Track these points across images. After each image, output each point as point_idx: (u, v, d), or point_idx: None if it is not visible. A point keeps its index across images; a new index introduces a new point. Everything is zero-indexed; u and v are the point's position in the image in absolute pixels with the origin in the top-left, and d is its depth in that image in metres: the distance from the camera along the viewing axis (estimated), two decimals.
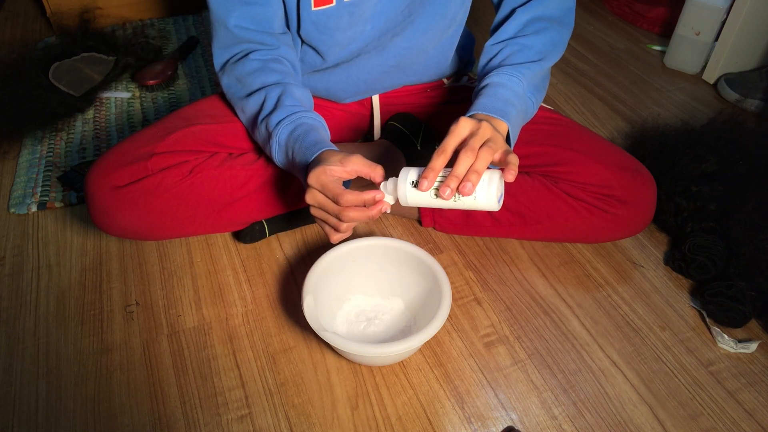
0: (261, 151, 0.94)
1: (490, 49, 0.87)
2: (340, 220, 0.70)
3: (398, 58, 0.94)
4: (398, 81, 1.00)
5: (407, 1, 0.86)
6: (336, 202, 0.68)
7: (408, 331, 0.85)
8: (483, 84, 0.83)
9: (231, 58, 0.86)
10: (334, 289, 0.85)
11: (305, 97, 0.85)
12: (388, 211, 0.71)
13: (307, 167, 0.74)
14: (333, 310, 0.86)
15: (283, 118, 0.80)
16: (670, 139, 1.10)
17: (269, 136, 0.81)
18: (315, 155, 0.74)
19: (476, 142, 0.67)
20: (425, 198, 0.69)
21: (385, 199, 0.70)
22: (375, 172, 0.70)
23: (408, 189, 0.69)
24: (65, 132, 1.27)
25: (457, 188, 0.66)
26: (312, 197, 0.71)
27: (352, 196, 0.68)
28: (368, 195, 0.69)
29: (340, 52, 0.90)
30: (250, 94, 0.85)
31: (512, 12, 0.87)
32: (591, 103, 1.40)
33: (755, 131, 1.12)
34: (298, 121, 0.80)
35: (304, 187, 0.75)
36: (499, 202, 0.69)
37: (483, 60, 0.88)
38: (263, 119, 0.82)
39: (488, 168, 0.68)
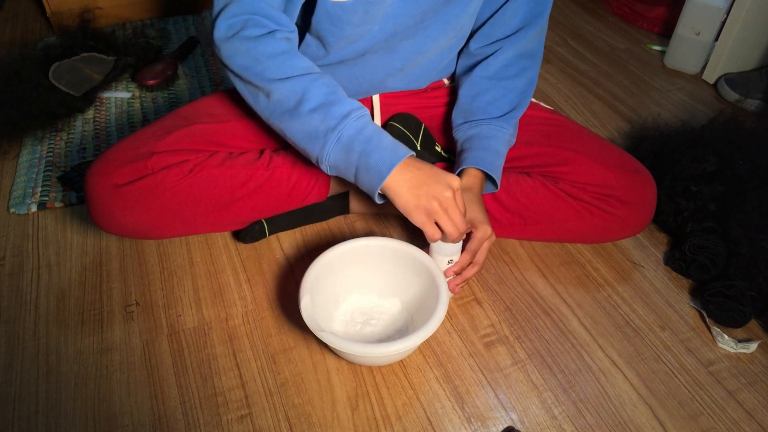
0: (261, 150, 0.94)
1: (479, 81, 0.94)
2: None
3: (404, 61, 0.94)
4: (400, 84, 1.00)
5: (421, 9, 0.86)
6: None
7: (405, 331, 0.85)
8: (474, 132, 0.92)
9: (238, 28, 0.78)
10: (332, 289, 0.85)
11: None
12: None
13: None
14: (330, 310, 0.86)
15: (350, 112, 0.76)
16: (670, 139, 1.10)
17: (327, 129, 0.76)
18: (401, 162, 0.75)
19: (482, 257, 0.84)
20: (440, 263, 0.84)
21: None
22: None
23: (442, 261, 0.83)
24: (65, 132, 1.27)
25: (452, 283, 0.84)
26: (423, 222, 0.77)
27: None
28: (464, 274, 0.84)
29: (345, 47, 0.90)
30: (284, 80, 0.77)
31: (498, 43, 0.93)
32: (591, 103, 1.40)
33: (755, 131, 1.12)
34: (365, 119, 0.77)
35: (374, 197, 0.78)
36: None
37: (469, 89, 0.95)
38: (315, 110, 0.76)
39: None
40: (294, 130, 0.79)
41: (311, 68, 0.80)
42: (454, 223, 0.76)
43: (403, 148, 0.77)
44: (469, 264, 0.84)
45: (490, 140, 0.90)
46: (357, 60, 0.93)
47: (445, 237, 0.78)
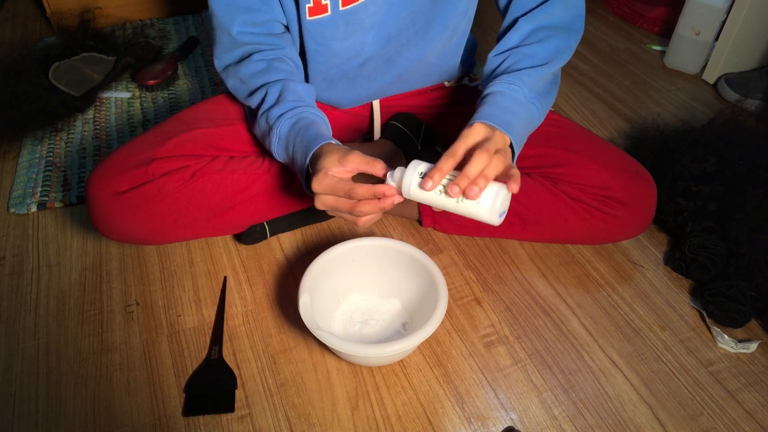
0: (263, 152, 0.94)
1: (493, 60, 0.85)
2: (354, 215, 0.70)
3: (402, 69, 0.94)
4: (400, 90, 1.01)
5: (408, 11, 0.86)
6: (349, 197, 0.68)
7: (405, 332, 0.85)
8: (483, 94, 0.81)
9: (234, 60, 0.87)
10: (331, 288, 0.85)
11: (306, 92, 0.85)
12: (401, 200, 0.70)
13: (308, 169, 0.75)
14: (330, 309, 0.86)
15: (285, 112, 0.80)
16: (670, 139, 1.10)
17: (269, 129, 0.81)
18: (315, 149, 0.74)
19: (492, 146, 0.67)
20: (429, 193, 0.68)
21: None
22: (374, 167, 0.70)
23: (414, 181, 0.68)
24: (65, 132, 1.27)
25: (464, 190, 0.65)
26: (321, 203, 0.71)
27: (362, 190, 0.67)
28: (379, 189, 0.68)
29: (342, 64, 0.90)
30: (252, 93, 0.85)
31: (515, 21, 0.85)
32: (591, 103, 1.40)
33: (755, 131, 1.12)
34: (299, 115, 0.80)
35: (302, 186, 0.77)
36: (500, 216, 0.68)
37: (486, 70, 0.86)
38: (264, 113, 0.82)
39: (496, 181, 0.67)
40: (257, 131, 0.86)
41: (281, 78, 0.83)
42: (341, 211, 0.71)
43: (325, 138, 0.75)
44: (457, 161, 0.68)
45: (499, 96, 0.78)
46: (358, 73, 0.93)
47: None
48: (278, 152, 0.82)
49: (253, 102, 0.85)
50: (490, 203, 0.67)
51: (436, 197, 0.68)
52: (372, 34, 0.87)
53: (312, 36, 0.85)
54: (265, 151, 0.93)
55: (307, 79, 0.94)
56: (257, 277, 0.96)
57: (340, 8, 0.82)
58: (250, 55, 0.85)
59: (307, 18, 0.83)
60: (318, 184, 0.70)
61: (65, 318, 0.90)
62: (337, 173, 0.70)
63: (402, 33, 0.88)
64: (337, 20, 0.83)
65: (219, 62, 0.89)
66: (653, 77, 1.50)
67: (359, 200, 0.68)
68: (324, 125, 0.81)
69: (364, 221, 0.71)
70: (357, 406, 0.79)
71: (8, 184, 1.15)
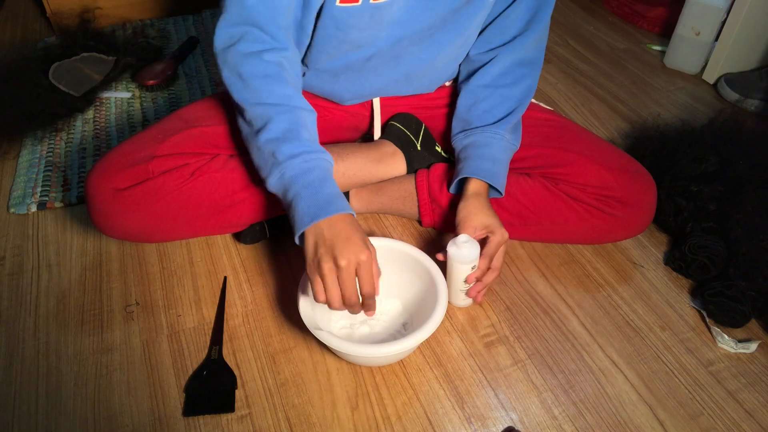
0: None
1: (476, 90, 0.95)
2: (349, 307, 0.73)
3: (409, 68, 0.94)
4: (403, 91, 1.01)
5: (428, 16, 0.86)
6: (355, 304, 0.72)
7: (405, 332, 0.85)
8: (470, 140, 0.92)
9: (235, 40, 0.79)
10: None
11: (314, 126, 0.81)
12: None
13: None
14: (330, 309, 0.86)
15: (299, 153, 0.75)
16: (670, 139, 1.10)
17: (274, 163, 0.76)
18: (327, 217, 0.72)
19: (499, 262, 0.86)
20: (459, 282, 0.86)
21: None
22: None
23: (464, 271, 0.84)
24: (65, 132, 1.27)
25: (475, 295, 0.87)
26: (331, 281, 0.71)
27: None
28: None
29: (349, 51, 0.89)
30: (257, 104, 0.78)
31: (496, 52, 0.93)
32: (591, 103, 1.40)
33: (755, 131, 1.12)
34: (313, 163, 0.76)
35: (295, 235, 0.75)
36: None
37: (468, 100, 0.95)
38: (270, 141, 0.76)
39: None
40: (252, 152, 0.80)
41: (289, 98, 0.79)
42: (335, 293, 0.71)
43: (341, 204, 0.74)
44: (488, 269, 0.85)
45: (485, 148, 0.90)
46: (363, 66, 0.92)
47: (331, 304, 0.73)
48: (274, 186, 0.78)
49: (253, 115, 0.79)
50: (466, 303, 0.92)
51: (465, 274, 0.85)
52: (386, 31, 0.86)
53: (335, 22, 0.83)
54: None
55: (304, 62, 0.93)
56: (257, 277, 0.96)
57: (371, 1, 0.81)
58: (265, 51, 0.78)
59: (337, 4, 0.81)
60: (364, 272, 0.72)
61: (65, 318, 0.90)
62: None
63: (416, 34, 0.88)
64: (364, 11, 0.82)
65: (220, 38, 0.79)
66: (653, 77, 1.50)
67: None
68: (332, 175, 0.78)
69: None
70: (357, 406, 0.79)
71: (8, 184, 1.15)
